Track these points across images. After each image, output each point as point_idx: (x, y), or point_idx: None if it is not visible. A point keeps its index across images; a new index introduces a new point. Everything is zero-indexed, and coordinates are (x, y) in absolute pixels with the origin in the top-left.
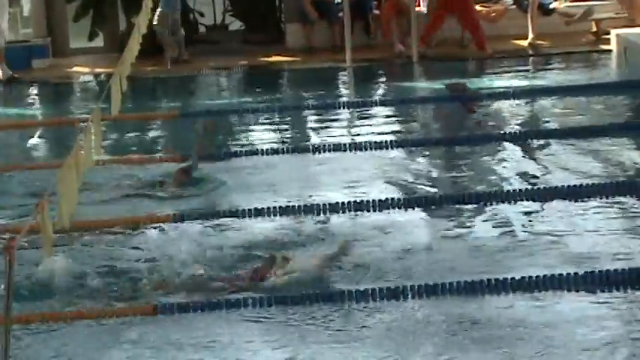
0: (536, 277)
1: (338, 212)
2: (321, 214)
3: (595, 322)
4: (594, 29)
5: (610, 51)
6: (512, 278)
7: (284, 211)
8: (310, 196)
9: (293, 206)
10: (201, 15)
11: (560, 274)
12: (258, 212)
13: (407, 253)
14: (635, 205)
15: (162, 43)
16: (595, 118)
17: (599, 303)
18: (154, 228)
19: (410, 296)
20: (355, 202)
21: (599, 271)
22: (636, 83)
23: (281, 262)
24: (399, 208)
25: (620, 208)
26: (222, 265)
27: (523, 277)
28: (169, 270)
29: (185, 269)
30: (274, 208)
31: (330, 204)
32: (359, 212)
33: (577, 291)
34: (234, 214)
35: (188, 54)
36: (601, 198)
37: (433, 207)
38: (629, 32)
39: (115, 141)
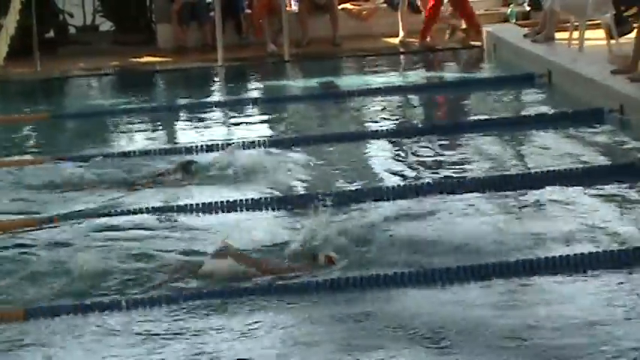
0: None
1: (212, 212)
2: (194, 214)
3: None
4: (464, 26)
5: (480, 47)
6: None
7: (156, 210)
8: (182, 196)
9: (164, 206)
10: (71, 16)
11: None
12: (132, 212)
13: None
14: (511, 198)
15: None
16: (465, 114)
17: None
18: None
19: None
20: (228, 201)
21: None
22: (504, 79)
23: (323, 262)
24: (272, 208)
25: (495, 202)
26: None
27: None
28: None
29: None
30: (147, 208)
31: (203, 204)
32: (233, 212)
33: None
34: (105, 213)
35: None
36: (478, 191)
37: (308, 205)
38: (498, 28)
39: None
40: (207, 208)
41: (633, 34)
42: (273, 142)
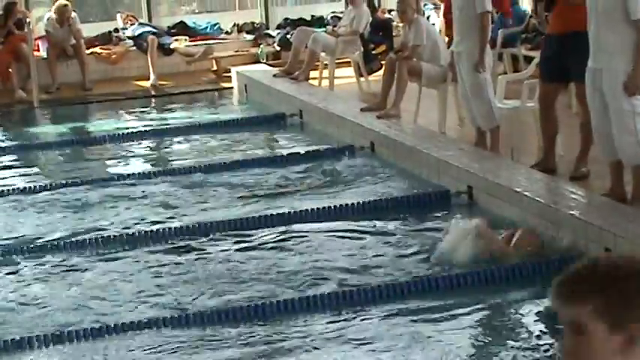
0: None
1: None
2: None
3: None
4: (215, 67)
5: (231, 88)
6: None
7: None
8: None
9: None
10: None
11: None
12: None
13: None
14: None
15: None
16: (219, 154)
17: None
18: None
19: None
20: None
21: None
22: (257, 119)
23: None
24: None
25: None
26: None
27: None
28: None
29: None
30: None
31: None
32: None
33: None
34: None
35: None
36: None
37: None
38: (248, 69)
39: None
40: None
41: (381, 72)
42: (22, 190)
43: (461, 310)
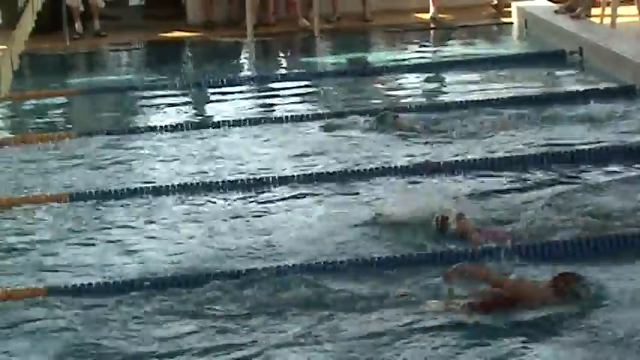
0: None
1: (239, 189)
2: (222, 191)
3: None
4: (495, 2)
5: (511, 23)
6: None
7: (183, 188)
8: (212, 172)
9: (197, 183)
10: None
11: None
12: (157, 190)
13: (308, 228)
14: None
15: (72, 14)
16: (497, 90)
17: None
18: None
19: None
20: (256, 179)
21: None
22: (537, 55)
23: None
24: (305, 183)
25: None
26: None
27: None
28: None
29: None
30: (174, 186)
31: (231, 181)
32: (262, 189)
33: None
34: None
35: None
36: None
37: (341, 181)
38: (529, 4)
39: (11, 120)
40: (236, 186)
41: None
42: (300, 117)
43: None
